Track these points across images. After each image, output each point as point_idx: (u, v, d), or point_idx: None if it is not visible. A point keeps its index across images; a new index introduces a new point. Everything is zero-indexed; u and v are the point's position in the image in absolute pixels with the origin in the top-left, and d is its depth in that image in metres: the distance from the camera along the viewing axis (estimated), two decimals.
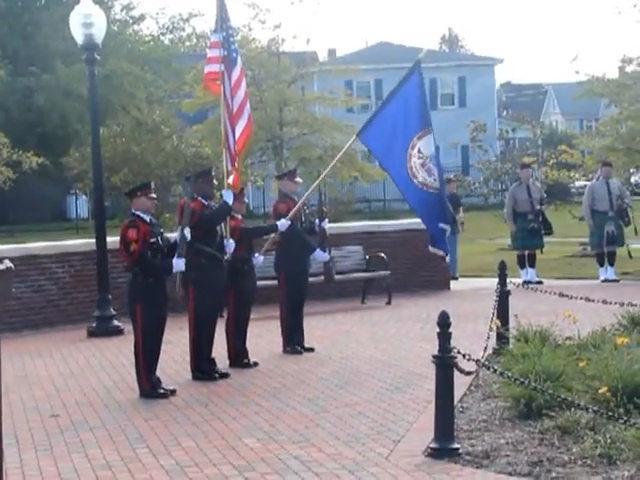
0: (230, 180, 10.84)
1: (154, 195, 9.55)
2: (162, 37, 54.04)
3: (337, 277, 15.78)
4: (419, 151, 10.96)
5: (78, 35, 13.86)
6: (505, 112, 69.07)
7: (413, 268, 16.98)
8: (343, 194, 36.52)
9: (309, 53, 41.85)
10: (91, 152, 14.97)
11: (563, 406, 7.46)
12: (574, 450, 6.82)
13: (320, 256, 11.69)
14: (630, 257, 18.17)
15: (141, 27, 54.39)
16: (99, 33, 13.93)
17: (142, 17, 53.79)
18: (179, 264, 9.38)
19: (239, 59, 11.11)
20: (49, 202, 47.23)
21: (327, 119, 35.89)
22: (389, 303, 15.64)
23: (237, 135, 10.95)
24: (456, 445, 6.99)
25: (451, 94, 54.49)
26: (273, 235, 11.48)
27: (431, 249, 11.15)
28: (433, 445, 6.99)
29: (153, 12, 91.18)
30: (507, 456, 6.85)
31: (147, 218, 9.37)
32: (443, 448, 6.93)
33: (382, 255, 16.06)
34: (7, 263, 4.89)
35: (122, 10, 53.62)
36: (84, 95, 36.73)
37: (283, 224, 11.08)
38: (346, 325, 13.67)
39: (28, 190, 41.99)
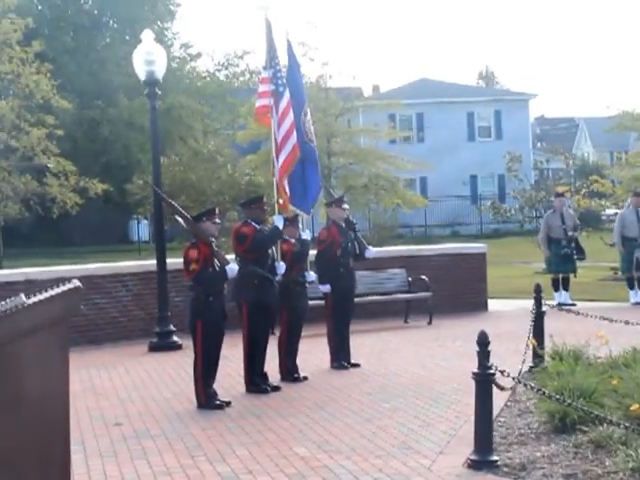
0: (281, 202, 10.91)
1: (218, 220, 9.65)
2: (217, 73, 54.44)
3: (381, 298, 15.90)
4: (309, 119, 11.42)
5: (141, 72, 14.04)
6: (539, 144, 68.69)
7: (453, 290, 16.94)
8: (386, 220, 36.53)
9: (354, 89, 41.98)
10: (152, 179, 15.15)
11: (596, 422, 7.39)
12: (607, 464, 6.75)
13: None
14: None
15: (198, 64, 54.86)
16: (160, 70, 14.11)
17: (199, 54, 54.31)
18: (232, 269, 9.41)
19: (286, 92, 11.14)
20: (113, 226, 47.68)
21: (371, 150, 36.01)
22: (430, 323, 15.60)
23: (280, 163, 10.97)
24: (494, 457, 6.95)
25: (488, 127, 54.35)
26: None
27: (292, 207, 11.15)
28: (473, 457, 6.96)
29: (209, 50, 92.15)
30: (543, 468, 6.80)
31: (209, 241, 9.44)
32: (482, 460, 6.90)
33: (424, 277, 16.04)
34: (76, 282, 5.05)
35: (181, 47, 54.19)
36: (145, 127, 37.24)
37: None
38: (390, 343, 13.65)
39: (93, 215, 42.47)
